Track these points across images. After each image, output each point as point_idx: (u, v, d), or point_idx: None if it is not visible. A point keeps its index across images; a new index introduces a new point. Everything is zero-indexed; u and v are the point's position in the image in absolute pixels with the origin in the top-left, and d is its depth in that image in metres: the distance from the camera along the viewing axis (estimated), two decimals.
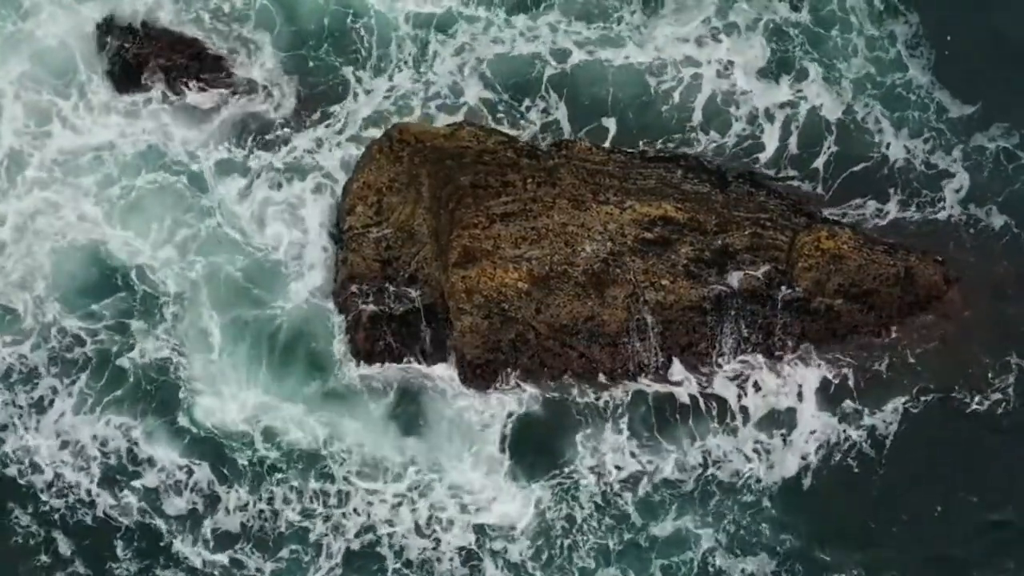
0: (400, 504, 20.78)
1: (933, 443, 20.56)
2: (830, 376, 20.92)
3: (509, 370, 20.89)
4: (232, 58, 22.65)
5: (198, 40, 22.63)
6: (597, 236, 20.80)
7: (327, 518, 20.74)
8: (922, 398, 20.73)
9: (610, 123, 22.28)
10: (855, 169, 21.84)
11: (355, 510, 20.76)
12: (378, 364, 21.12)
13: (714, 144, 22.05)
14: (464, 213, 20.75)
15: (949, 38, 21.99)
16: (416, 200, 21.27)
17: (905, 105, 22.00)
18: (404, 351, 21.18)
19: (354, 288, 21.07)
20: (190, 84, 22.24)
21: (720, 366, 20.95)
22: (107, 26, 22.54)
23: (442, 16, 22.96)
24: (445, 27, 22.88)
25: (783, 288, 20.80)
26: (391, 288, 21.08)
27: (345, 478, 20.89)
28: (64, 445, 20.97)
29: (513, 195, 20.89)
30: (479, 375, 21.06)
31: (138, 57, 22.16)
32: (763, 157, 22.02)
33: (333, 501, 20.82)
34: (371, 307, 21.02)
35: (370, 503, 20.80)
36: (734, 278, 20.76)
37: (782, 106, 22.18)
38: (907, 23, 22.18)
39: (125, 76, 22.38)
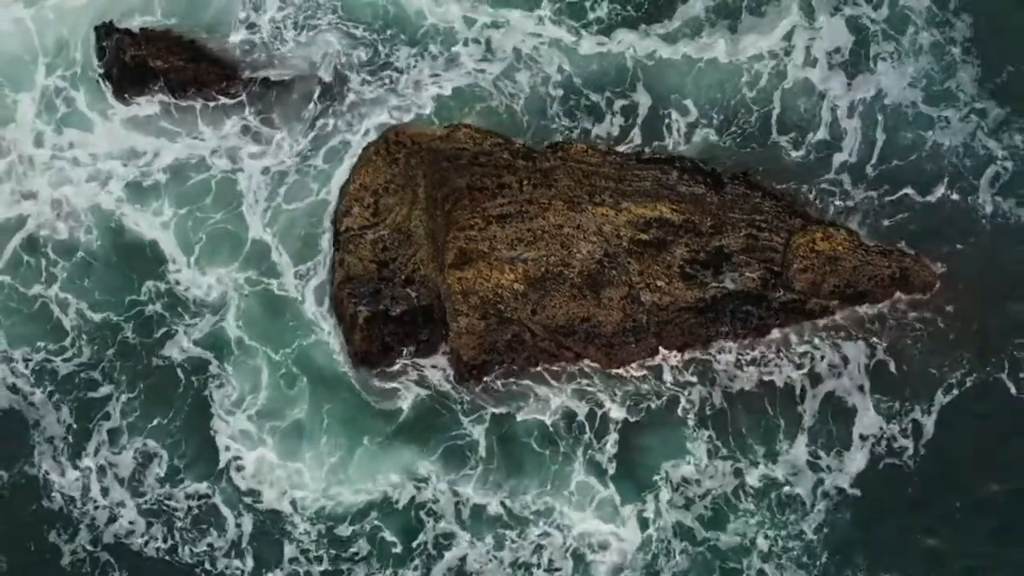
0: (499, 543, 20.99)
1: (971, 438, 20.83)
2: (863, 375, 21.12)
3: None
4: (237, 60, 22.69)
5: (195, 42, 22.62)
6: (593, 237, 20.85)
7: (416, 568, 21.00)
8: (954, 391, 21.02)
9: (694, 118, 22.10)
10: (899, 161, 21.70)
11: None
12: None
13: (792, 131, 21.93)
14: (460, 214, 20.80)
15: (1000, 45, 21.89)
16: (412, 201, 21.31)
17: (950, 106, 21.81)
18: (401, 352, 21.35)
19: (350, 290, 21.13)
20: (188, 87, 22.33)
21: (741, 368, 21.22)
22: (106, 28, 22.52)
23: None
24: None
25: (779, 290, 20.89)
26: (387, 289, 21.15)
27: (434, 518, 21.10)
28: (113, 481, 21.24)
29: (509, 197, 20.94)
30: (475, 375, 21.16)
31: (136, 59, 22.17)
32: (838, 153, 21.83)
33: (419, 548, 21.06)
34: (368, 309, 21.08)
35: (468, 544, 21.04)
36: (729, 279, 20.82)
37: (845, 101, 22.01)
38: (965, 26, 22.01)
39: (124, 78, 22.42)
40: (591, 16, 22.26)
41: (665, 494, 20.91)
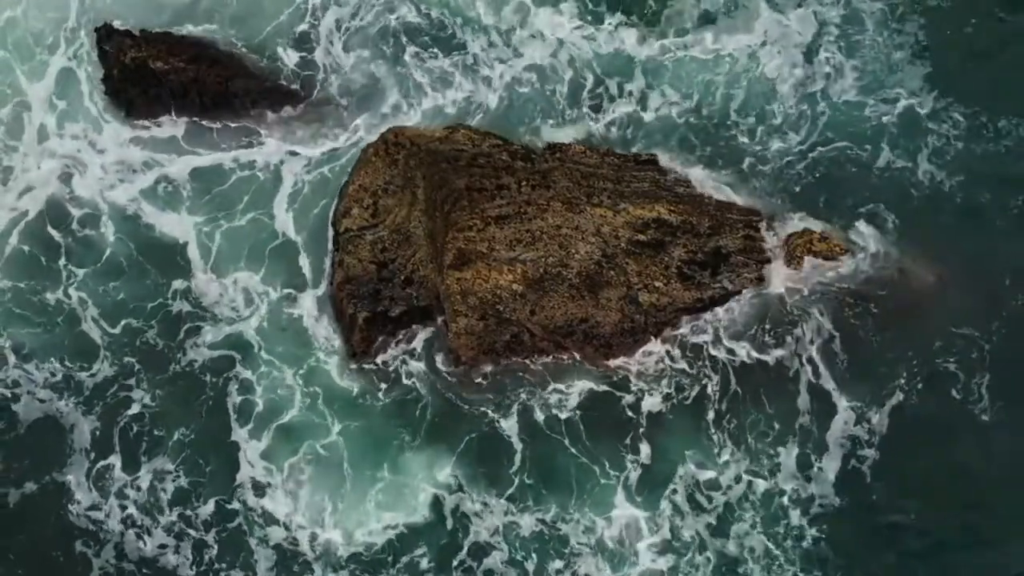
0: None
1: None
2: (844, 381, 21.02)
3: None
4: (243, 63, 22.86)
5: (198, 43, 22.73)
6: (591, 238, 20.92)
7: None
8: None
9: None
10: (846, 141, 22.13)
11: None
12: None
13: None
14: (459, 215, 20.87)
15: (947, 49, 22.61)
16: (411, 202, 21.39)
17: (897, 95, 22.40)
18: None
19: (349, 290, 21.20)
20: (190, 90, 22.46)
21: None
22: (107, 30, 22.62)
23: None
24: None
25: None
26: (387, 290, 21.23)
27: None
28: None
29: (507, 198, 21.02)
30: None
31: (136, 60, 22.25)
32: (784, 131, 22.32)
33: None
34: (367, 309, 21.14)
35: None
36: (727, 280, 20.89)
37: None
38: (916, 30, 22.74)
39: (125, 80, 22.53)
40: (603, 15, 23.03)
41: (683, 500, 20.87)
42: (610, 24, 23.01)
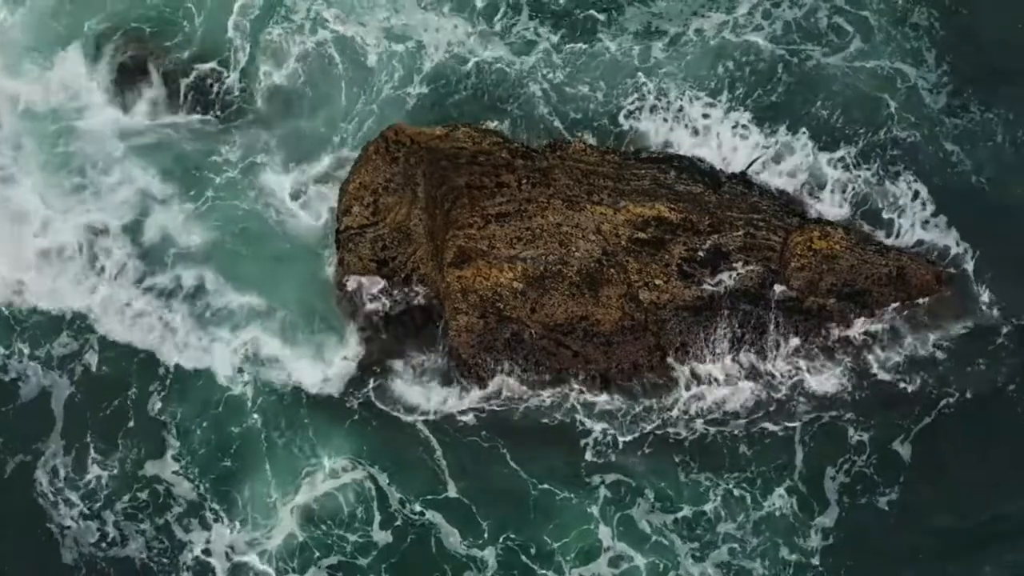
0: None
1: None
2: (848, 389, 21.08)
3: None
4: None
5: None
6: (591, 236, 20.94)
7: None
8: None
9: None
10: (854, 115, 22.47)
11: None
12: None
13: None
14: (459, 213, 20.90)
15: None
16: (412, 200, 21.41)
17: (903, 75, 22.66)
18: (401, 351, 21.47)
19: (350, 288, 21.24)
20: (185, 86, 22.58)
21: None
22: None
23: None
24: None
25: (776, 288, 20.96)
26: (387, 288, 21.25)
27: None
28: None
29: (508, 195, 21.04)
30: (473, 373, 21.26)
31: (135, 59, 22.35)
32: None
33: None
34: (367, 308, 21.18)
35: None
36: (727, 278, 20.90)
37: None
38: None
39: (124, 78, 22.61)
40: None
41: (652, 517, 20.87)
42: None
